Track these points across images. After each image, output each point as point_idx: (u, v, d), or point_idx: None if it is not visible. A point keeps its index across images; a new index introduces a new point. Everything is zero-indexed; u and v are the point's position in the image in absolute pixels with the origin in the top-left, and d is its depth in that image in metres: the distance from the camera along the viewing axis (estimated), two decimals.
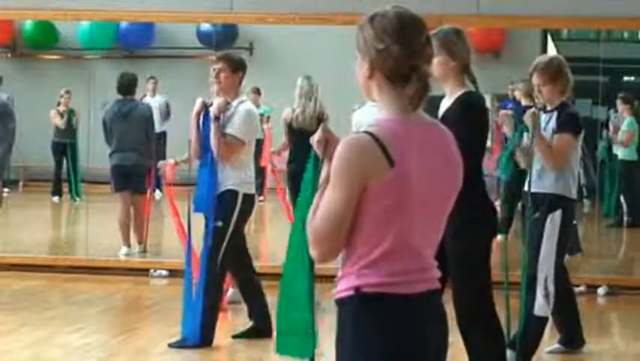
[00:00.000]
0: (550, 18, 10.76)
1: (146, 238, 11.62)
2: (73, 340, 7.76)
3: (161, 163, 10.51)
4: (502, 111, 7.12)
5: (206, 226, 7.56)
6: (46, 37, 17.69)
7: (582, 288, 9.86)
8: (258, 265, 8.39)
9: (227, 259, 7.55)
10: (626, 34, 17.52)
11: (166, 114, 16.30)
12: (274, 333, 7.76)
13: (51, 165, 16.26)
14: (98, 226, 12.63)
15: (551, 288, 6.80)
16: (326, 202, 3.06)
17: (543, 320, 6.92)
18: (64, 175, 16.31)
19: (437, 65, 5.71)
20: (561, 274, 7.11)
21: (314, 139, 3.33)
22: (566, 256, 8.03)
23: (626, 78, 17.97)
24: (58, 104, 16.06)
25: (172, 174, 9.09)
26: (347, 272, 3.11)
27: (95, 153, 14.34)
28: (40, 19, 14.99)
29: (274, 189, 14.44)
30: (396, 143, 3.04)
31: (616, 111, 14.61)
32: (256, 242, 11.97)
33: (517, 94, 13.36)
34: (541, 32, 15.47)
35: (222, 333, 7.75)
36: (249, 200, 7.67)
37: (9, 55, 18.25)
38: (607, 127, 14.44)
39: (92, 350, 7.55)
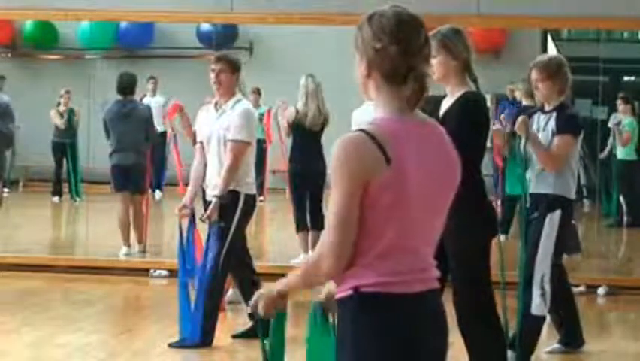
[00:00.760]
0: (550, 18, 10.76)
1: (146, 238, 11.62)
2: (73, 340, 7.77)
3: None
4: (495, 127, 7.08)
5: (209, 226, 7.57)
6: (46, 37, 17.66)
7: (582, 288, 9.86)
8: (258, 265, 8.39)
9: (228, 260, 7.55)
10: (626, 34, 17.51)
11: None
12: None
13: (51, 165, 16.25)
14: (98, 226, 12.63)
15: (548, 287, 6.80)
16: (331, 208, 3.05)
17: (540, 319, 6.92)
18: (64, 175, 16.30)
19: (438, 64, 5.72)
20: (559, 273, 7.12)
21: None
22: (565, 257, 8.05)
23: (626, 78, 17.95)
24: (58, 104, 16.05)
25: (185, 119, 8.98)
26: (345, 272, 3.10)
27: (95, 153, 14.34)
28: (40, 19, 14.98)
29: (274, 189, 14.46)
30: (392, 141, 3.04)
31: (616, 112, 14.62)
32: (256, 242, 11.96)
33: (518, 94, 13.35)
34: (541, 32, 15.46)
35: (222, 333, 7.75)
36: (250, 200, 7.68)
37: (9, 55, 18.23)
38: (614, 132, 14.44)
39: (92, 350, 7.55)
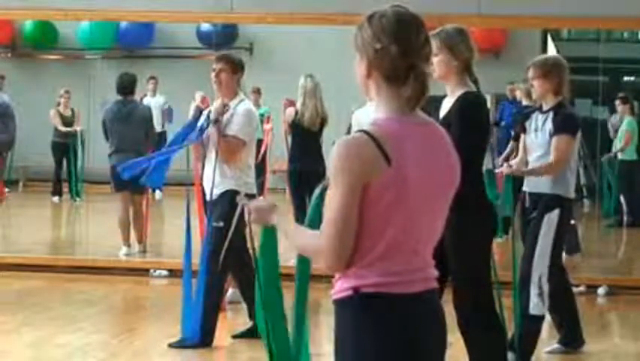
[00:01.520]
0: (550, 18, 10.76)
1: (146, 238, 11.62)
2: (73, 340, 7.77)
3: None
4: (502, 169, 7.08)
5: (208, 226, 7.57)
6: (46, 37, 17.66)
7: (582, 288, 9.86)
8: None
9: (228, 260, 7.54)
10: (626, 34, 17.51)
11: (168, 116, 16.26)
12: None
13: (51, 165, 16.25)
14: (98, 226, 12.64)
15: (545, 287, 6.80)
16: (330, 208, 3.05)
17: (539, 319, 6.92)
18: (64, 175, 16.30)
19: (439, 63, 5.71)
20: (558, 273, 7.12)
21: None
22: (565, 256, 8.05)
23: (626, 78, 17.95)
24: (58, 104, 16.05)
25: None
26: (345, 273, 3.10)
27: (95, 153, 14.34)
28: (40, 19, 14.98)
29: (274, 189, 14.46)
30: (393, 142, 3.04)
31: (616, 112, 14.62)
32: (256, 242, 11.95)
33: (518, 94, 13.37)
34: (541, 32, 15.46)
35: (222, 333, 7.75)
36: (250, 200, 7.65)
37: (9, 55, 18.23)
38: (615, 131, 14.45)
39: (92, 350, 7.55)
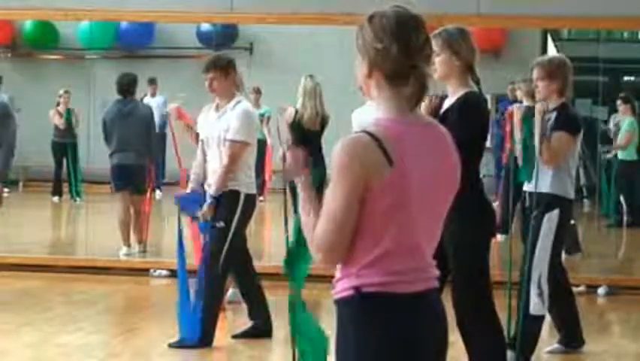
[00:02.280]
0: (550, 18, 10.76)
1: (146, 238, 11.62)
2: (73, 340, 7.76)
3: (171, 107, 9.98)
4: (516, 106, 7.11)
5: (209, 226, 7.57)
6: (46, 37, 17.67)
7: (582, 288, 9.86)
8: (258, 265, 8.38)
9: (229, 260, 7.55)
10: (626, 34, 17.52)
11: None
12: (274, 333, 7.77)
13: (51, 165, 16.25)
14: (98, 226, 12.62)
15: (545, 287, 6.80)
16: (328, 204, 3.05)
17: (540, 319, 6.92)
18: (64, 175, 16.30)
19: (441, 63, 5.71)
20: (558, 273, 7.12)
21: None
22: (565, 256, 8.05)
23: (626, 78, 17.96)
24: (58, 104, 16.05)
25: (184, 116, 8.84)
26: (346, 272, 3.10)
27: (95, 153, 14.33)
28: (40, 19, 14.98)
29: (274, 189, 14.45)
30: (394, 142, 3.04)
31: (616, 112, 14.61)
32: (256, 242, 11.96)
33: (519, 94, 13.35)
34: (541, 32, 15.47)
35: (222, 333, 7.75)
36: (250, 200, 7.67)
37: (9, 55, 18.24)
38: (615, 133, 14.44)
39: (92, 350, 7.55)
